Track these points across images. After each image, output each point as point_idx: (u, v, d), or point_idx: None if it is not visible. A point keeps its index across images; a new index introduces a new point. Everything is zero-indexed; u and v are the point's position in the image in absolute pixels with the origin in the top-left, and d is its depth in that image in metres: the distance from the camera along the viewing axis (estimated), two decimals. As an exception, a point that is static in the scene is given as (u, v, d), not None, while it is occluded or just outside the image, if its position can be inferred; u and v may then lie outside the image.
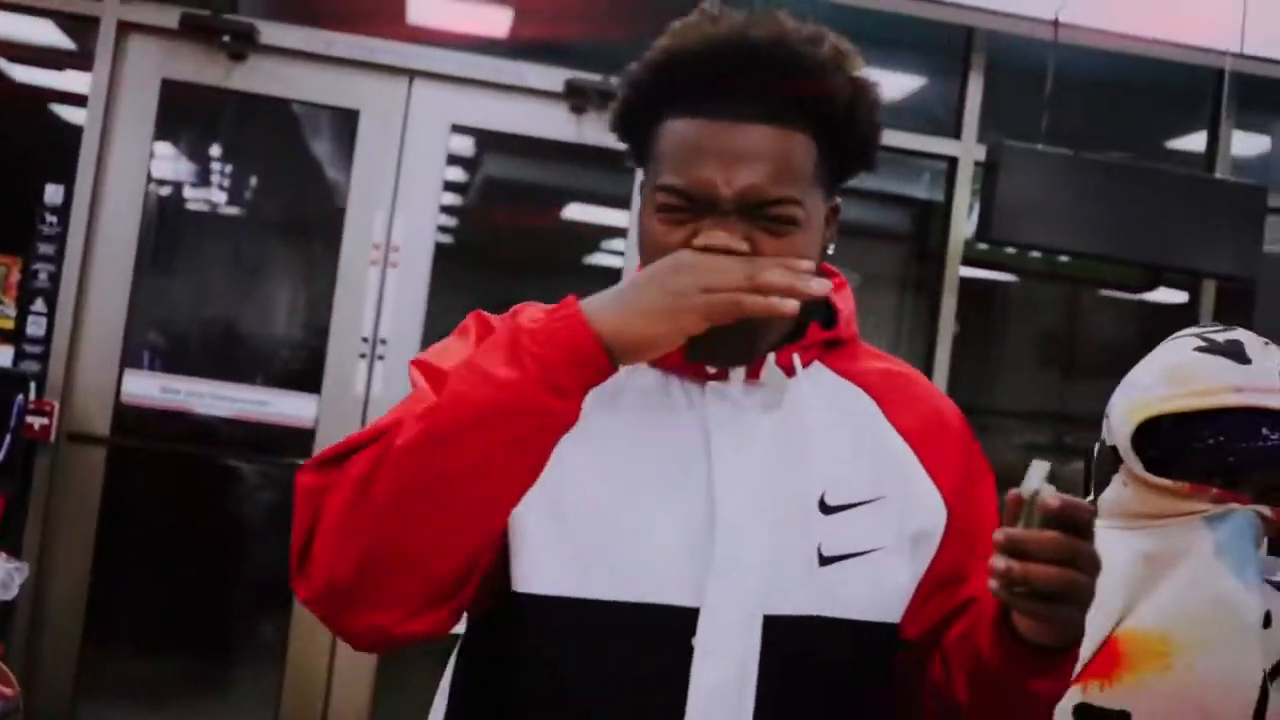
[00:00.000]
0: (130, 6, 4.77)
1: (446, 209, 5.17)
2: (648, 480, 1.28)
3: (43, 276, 4.76)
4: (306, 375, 4.87)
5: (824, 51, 1.29)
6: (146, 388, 4.83)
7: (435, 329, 4.35)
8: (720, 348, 1.26)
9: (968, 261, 5.26)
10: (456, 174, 5.29)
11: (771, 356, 1.32)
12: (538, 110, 5.00)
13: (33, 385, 4.60)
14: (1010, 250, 5.34)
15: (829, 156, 1.31)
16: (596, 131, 5.00)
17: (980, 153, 5.06)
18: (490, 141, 5.29)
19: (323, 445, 2.63)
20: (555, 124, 5.02)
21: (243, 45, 4.78)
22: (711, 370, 1.31)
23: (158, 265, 5.01)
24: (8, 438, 4.45)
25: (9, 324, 4.74)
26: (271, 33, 4.82)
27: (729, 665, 1.24)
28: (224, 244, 5.31)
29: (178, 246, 5.20)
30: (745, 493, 1.27)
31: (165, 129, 4.87)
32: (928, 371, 5.14)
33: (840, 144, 1.31)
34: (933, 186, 5.46)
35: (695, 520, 1.27)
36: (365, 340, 4.83)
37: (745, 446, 1.29)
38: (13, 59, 4.97)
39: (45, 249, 4.76)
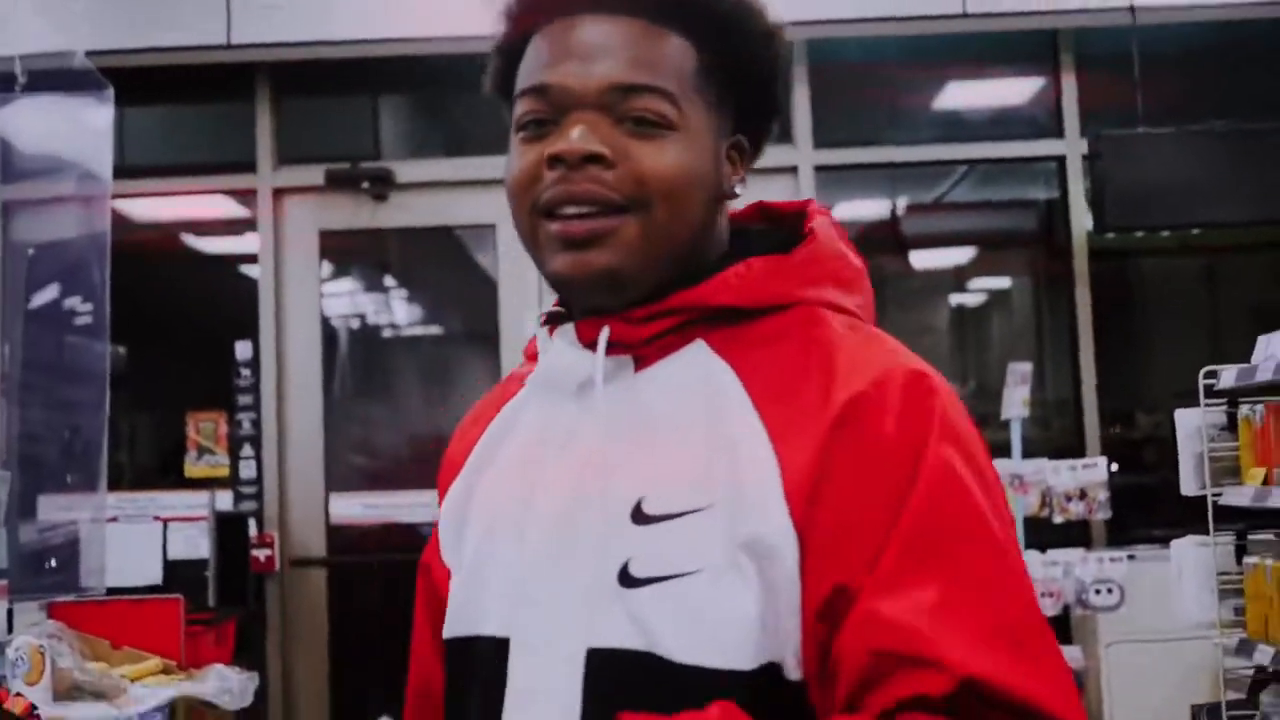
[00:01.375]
0: (281, 173, 5.32)
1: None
2: (505, 501, 1.17)
3: (246, 425, 5.31)
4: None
5: None
6: (351, 508, 5.31)
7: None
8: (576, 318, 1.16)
9: (1100, 253, 5.37)
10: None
11: (567, 331, 1.15)
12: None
13: (252, 522, 5.14)
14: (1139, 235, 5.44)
15: (715, 70, 1.14)
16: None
17: (1085, 147, 5.19)
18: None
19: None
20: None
21: (382, 187, 5.28)
22: (554, 352, 1.16)
23: (344, 395, 5.51)
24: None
25: (224, 471, 5.29)
26: (405, 170, 5.31)
27: (545, 708, 1.07)
28: (397, 365, 5.80)
29: (359, 375, 5.71)
30: (556, 500, 1.10)
31: (329, 272, 5.39)
32: (1073, 367, 5.27)
33: (727, 56, 1.15)
34: (1051, 186, 5.60)
35: (511, 542, 1.13)
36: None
37: (566, 448, 1.13)
38: (192, 232, 5.57)
39: (244, 399, 5.31)
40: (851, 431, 1.04)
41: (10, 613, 3.65)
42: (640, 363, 1.14)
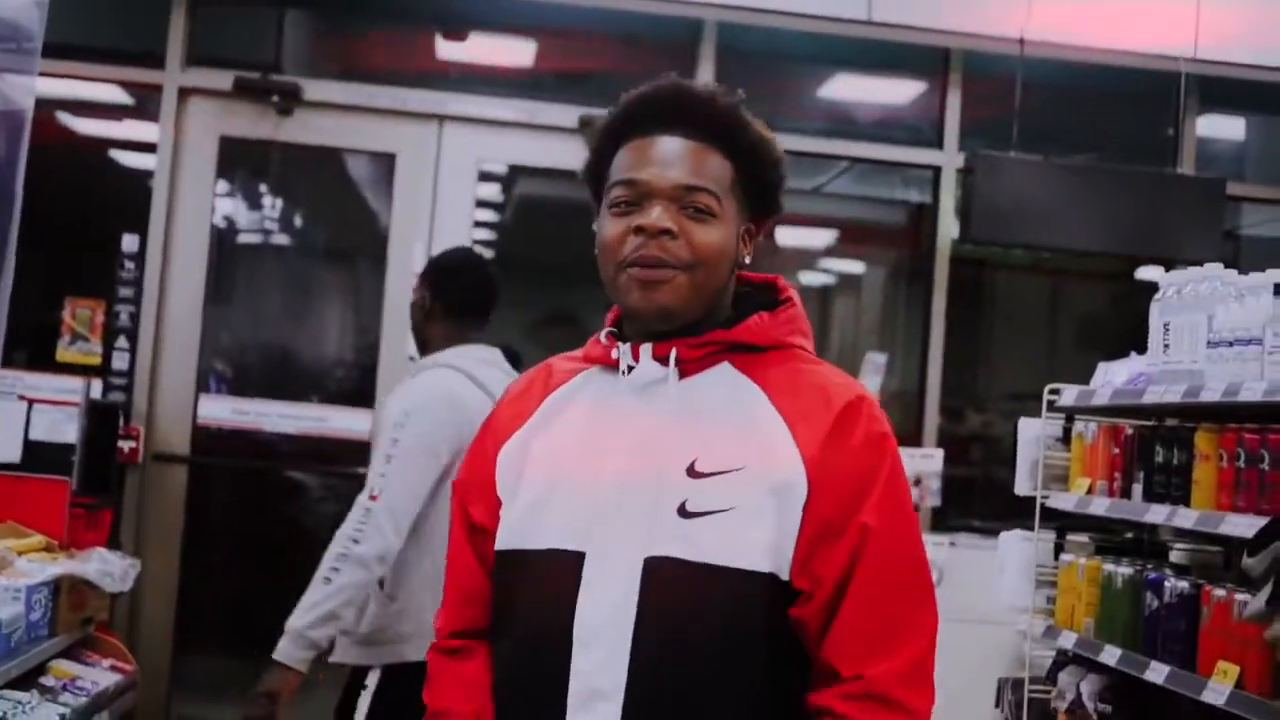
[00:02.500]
0: (188, 74, 5.36)
1: (485, 224, 5.71)
2: (571, 458, 1.70)
3: (124, 316, 5.35)
4: (359, 392, 5.44)
5: (736, 99, 1.75)
6: (220, 410, 5.41)
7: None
8: (633, 340, 1.71)
9: (960, 260, 5.74)
10: (493, 194, 5.84)
11: (647, 349, 1.68)
12: (555, 144, 5.55)
13: (120, 414, 5.21)
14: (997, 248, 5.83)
15: (743, 180, 1.71)
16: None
17: (961, 161, 5.55)
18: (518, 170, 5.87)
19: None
20: (571, 156, 5.56)
21: (289, 102, 5.36)
22: (628, 362, 1.69)
23: (223, 300, 5.59)
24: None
25: (96, 360, 5.33)
26: (314, 89, 5.39)
27: (609, 596, 1.60)
28: (281, 279, 5.89)
29: (241, 282, 5.79)
30: (622, 458, 1.65)
31: (224, 180, 5.46)
32: (921, 362, 5.65)
33: (751, 172, 1.72)
34: (924, 191, 5.95)
35: (588, 484, 1.66)
36: (412, 359, 5.37)
37: (628, 424, 1.67)
38: (85, 116, 5.57)
39: (125, 291, 5.35)
40: (846, 425, 1.64)
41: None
42: (683, 375, 1.68)
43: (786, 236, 6.18)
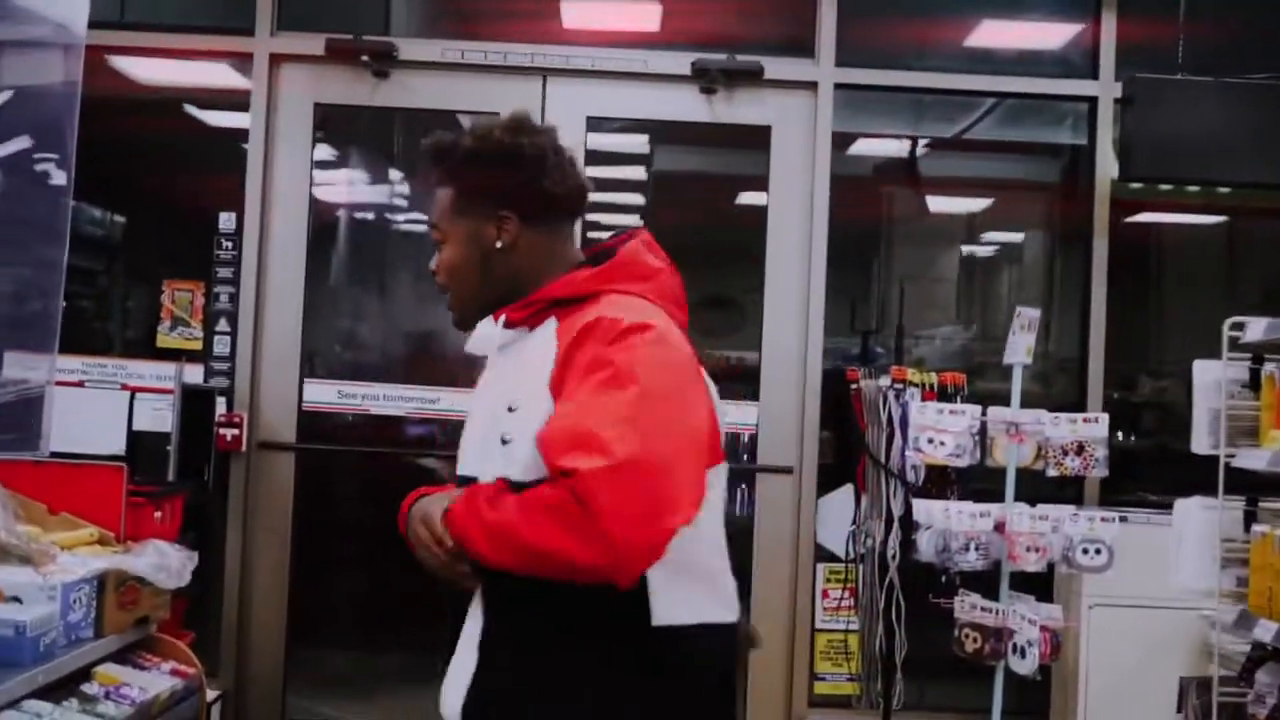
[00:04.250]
0: (280, 38, 5.08)
1: (600, 207, 5.33)
2: (471, 403, 2.15)
3: (223, 298, 5.11)
4: (469, 372, 5.08)
5: (448, 137, 2.13)
6: (326, 394, 5.14)
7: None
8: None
9: (1122, 204, 5.15)
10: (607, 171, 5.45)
11: (488, 321, 2.11)
12: (669, 95, 5.13)
13: (221, 400, 4.97)
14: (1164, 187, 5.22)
15: (463, 194, 2.10)
16: (727, 109, 5.11)
17: (1118, 90, 4.96)
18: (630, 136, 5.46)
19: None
20: (687, 106, 5.14)
21: (385, 63, 5.04)
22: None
23: (325, 277, 5.32)
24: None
25: (198, 345, 5.10)
26: (410, 48, 5.07)
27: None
28: (384, 252, 5.60)
29: (342, 258, 5.51)
30: (478, 400, 2.10)
31: (321, 149, 5.17)
32: (1083, 321, 5.09)
33: (465, 184, 2.09)
34: (1078, 130, 5.37)
35: (469, 422, 2.11)
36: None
37: (491, 372, 2.13)
38: (183, 94, 5.34)
39: (223, 273, 5.12)
40: (577, 345, 1.91)
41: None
42: (529, 331, 2.05)
43: (928, 188, 5.66)
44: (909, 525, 4.67)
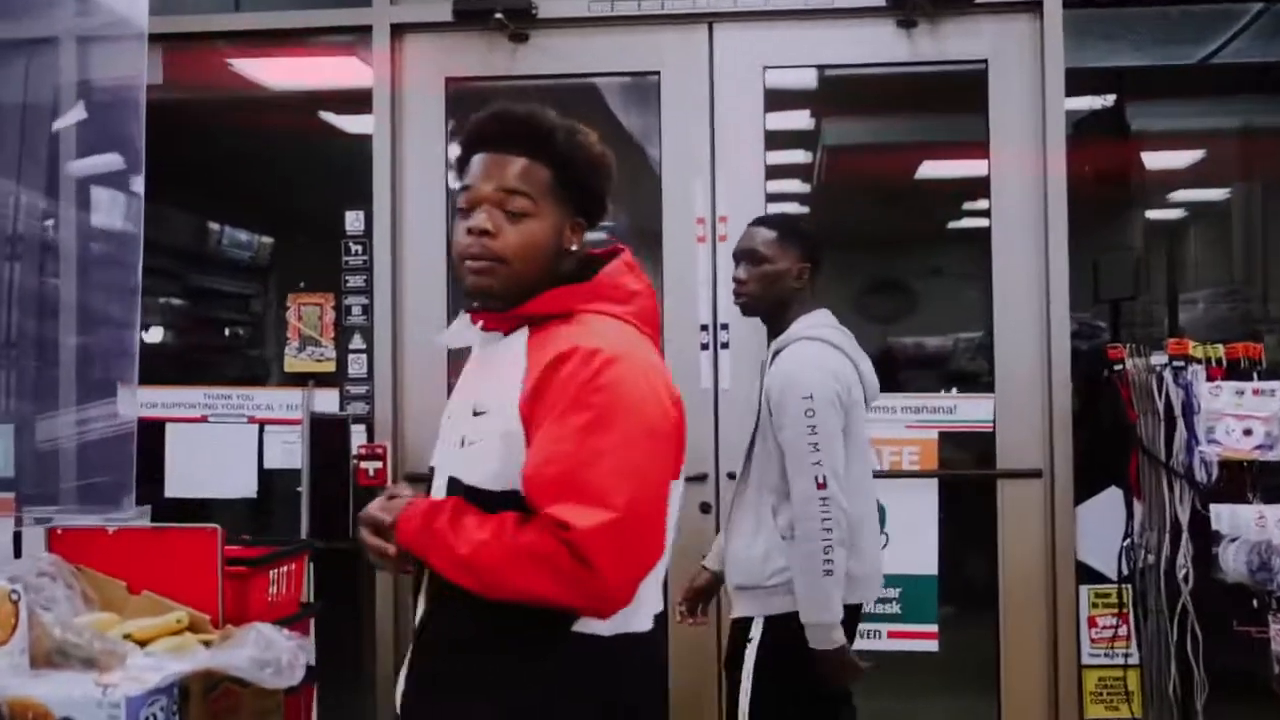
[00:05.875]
0: (400, 6, 4.38)
1: (776, 170, 4.51)
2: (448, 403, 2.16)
3: (356, 311, 4.43)
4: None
5: (548, 117, 2.06)
6: (478, 415, 4.41)
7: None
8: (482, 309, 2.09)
9: None
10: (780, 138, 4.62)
11: (463, 317, 2.11)
12: (860, 34, 4.28)
13: (360, 429, 4.30)
14: None
15: (562, 183, 2.04)
16: (932, 45, 4.24)
17: None
18: (814, 96, 4.63)
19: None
20: (882, 45, 4.29)
21: (522, 24, 4.30)
22: (455, 326, 2.13)
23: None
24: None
25: (330, 366, 4.43)
26: (550, 5, 4.31)
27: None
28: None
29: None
30: (453, 403, 2.11)
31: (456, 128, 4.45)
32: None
33: (569, 176, 2.04)
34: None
35: (443, 420, 2.14)
36: (704, 328, 4.25)
37: (464, 374, 2.15)
38: (297, 80, 4.68)
39: (354, 281, 4.44)
40: (552, 372, 1.94)
41: (19, 536, 2.82)
42: (502, 336, 2.08)
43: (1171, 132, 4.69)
44: (1202, 536, 3.75)
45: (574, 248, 2.06)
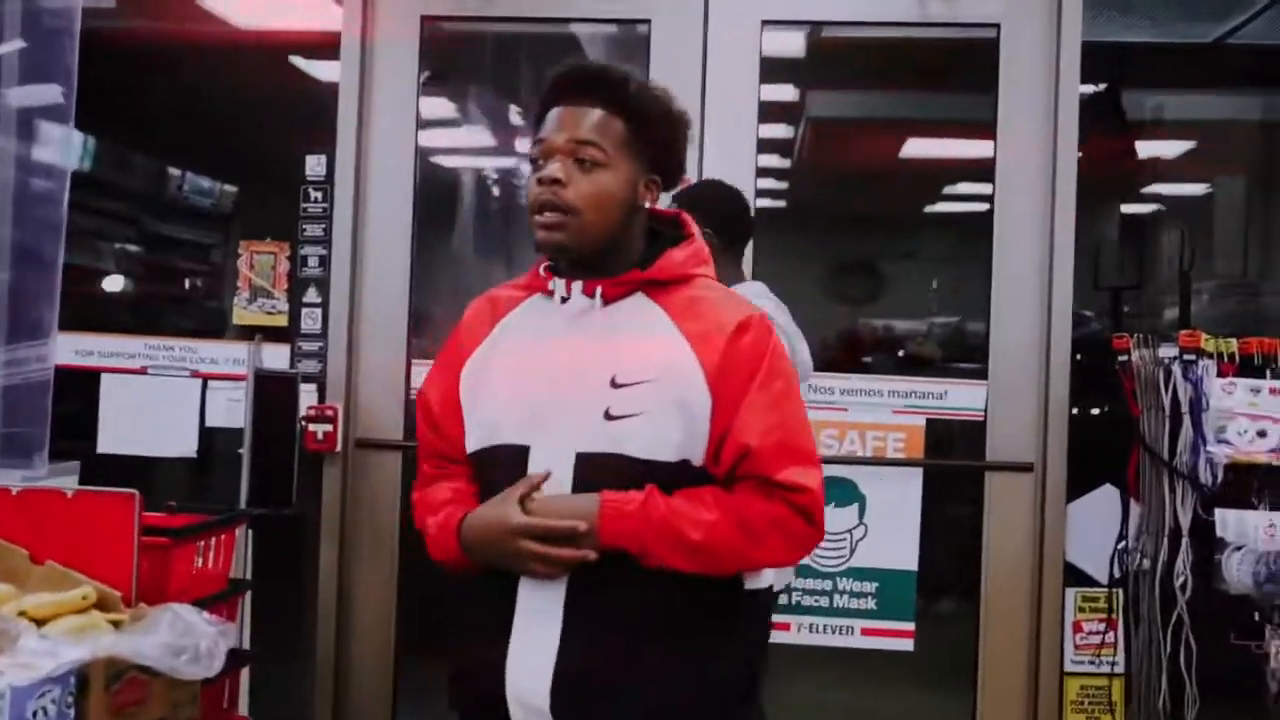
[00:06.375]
0: (375, -63, 4.10)
1: (767, 144, 4.25)
2: (519, 371, 2.04)
3: (313, 262, 4.14)
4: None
5: (623, 71, 2.06)
6: (439, 379, 4.14)
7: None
8: (566, 273, 2.06)
9: None
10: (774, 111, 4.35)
11: (578, 285, 2.03)
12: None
13: (311, 389, 4.02)
14: None
15: (637, 136, 2.03)
16: (943, 6, 3.98)
17: None
18: (810, 66, 4.37)
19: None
20: (891, 3, 4.03)
21: (505, -39, 4.02)
22: (562, 294, 2.04)
23: (440, 236, 4.32)
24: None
25: (282, 320, 4.15)
26: (536, -58, 4.04)
27: (549, 482, 1.97)
28: (505, 204, 4.58)
29: (462, 212, 4.50)
30: (558, 373, 2.00)
31: (430, 76, 4.17)
32: None
33: (644, 130, 2.03)
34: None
35: (533, 393, 2.01)
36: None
37: (563, 344, 2.03)
38: (256, 15, 4.38)
39: (313, 230, 4.15)
40: (736, 342, 1.98)
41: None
42: (605, 303, 2.03)
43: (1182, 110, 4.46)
44: (1203, 542, 3.54)
45: (647, 204, 2.06)
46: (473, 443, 2.06)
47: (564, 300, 2.03)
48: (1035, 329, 3.95)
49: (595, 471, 1.95)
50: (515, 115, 4.52)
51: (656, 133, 2.05)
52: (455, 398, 2.09)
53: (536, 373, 2.01)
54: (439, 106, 4.36)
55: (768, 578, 2.12)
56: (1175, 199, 4.55)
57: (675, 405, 1.94)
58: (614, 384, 1.96)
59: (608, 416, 1.94)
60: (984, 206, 4.04)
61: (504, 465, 1.99)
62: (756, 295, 3.05)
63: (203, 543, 2.61)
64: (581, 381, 1.98)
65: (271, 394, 3.68)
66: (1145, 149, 4.50)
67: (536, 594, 1.95)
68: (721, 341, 1.97)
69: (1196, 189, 4.51)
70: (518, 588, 1.96)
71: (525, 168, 4.43)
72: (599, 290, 2.01)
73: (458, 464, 2.11)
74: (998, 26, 4.00)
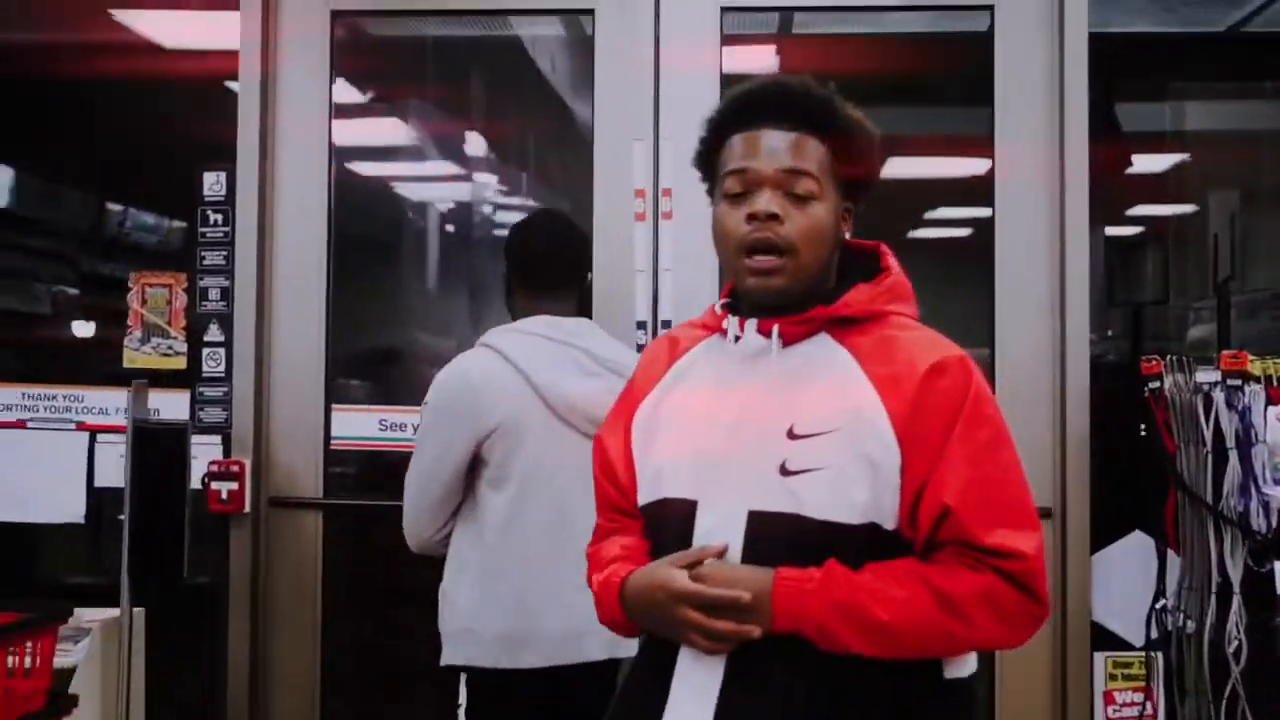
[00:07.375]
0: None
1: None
2: (690, 418, 1.88)
3: (214, 294, 3.61)
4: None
5: (828, 90, 1.90)
6: (362, 426, 3.60)
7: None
8: (745, 312, 1.89)
9: None
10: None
11: (752, 324, 1.85)
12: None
13: (215, 440, 3.49)
14: None
15: (839, 162, 1.87)
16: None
17: None
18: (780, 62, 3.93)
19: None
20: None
21: (426, -56, 3.52)
22: (735, 333, 1.87)
23: (358, 261, 3.79)
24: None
25: (180, 363, 3.63)
26: (461, -78, 3.55)
27: (720, 543, 1.80)
28: (439, 222, 4.08)
29: (380, 234, 3.99)
30: (730, 422, 1.83)
31: (343, 79, 3.69)
32: None
33: (846, 155, 1.87)
34: None
35: (703, 444, 1.84)
36: (641, 326, 3.49)
37: (736, 389, 1.85)
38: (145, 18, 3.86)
39: (213, 258, 3.62)
40: (930, 386, 1.76)
41: None
42: (785, 344, 1.85)
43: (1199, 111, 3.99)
44: (1259, 600, 3.04)
45: (847, 234, 1.92)
46: (643, 496, 1.92)
47: (736, 339, 1.86)
48: (1047, 352, 3.46)
49: (769, 532, 1.77)
50: (442, 117, 4.03)
51: (857, 157, 1.89)
52: (628, 445, 1.95)
53: (707, 421, 1.86)
54: (358, 111, 3.85)
55: (972, 664, 1.80)
56: (1196, 205, 4.11)
57: (860, 460, 1.75)
58: (791, 435, 1.79)
59: (784, 471, 1.77)
60: (986, 212, 3.55)
61: (671, 522, 1.85)
62: (508, 330, 2.88)
63: (12, 649, 2.04)
64: (755, 432, 1.81)
65: (157, 449, 3.12)
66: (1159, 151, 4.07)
67: (696, 667, 1.79)
68: (912, 386, 1.77)
69: (1223, 195, 4.06)
70: (677, 657, 1.81)
71: (467, 185, 4.10)
72: (776, 329, 1.83)
73: (632, 518, 1.96)
74: (990, 9, 3.51)
